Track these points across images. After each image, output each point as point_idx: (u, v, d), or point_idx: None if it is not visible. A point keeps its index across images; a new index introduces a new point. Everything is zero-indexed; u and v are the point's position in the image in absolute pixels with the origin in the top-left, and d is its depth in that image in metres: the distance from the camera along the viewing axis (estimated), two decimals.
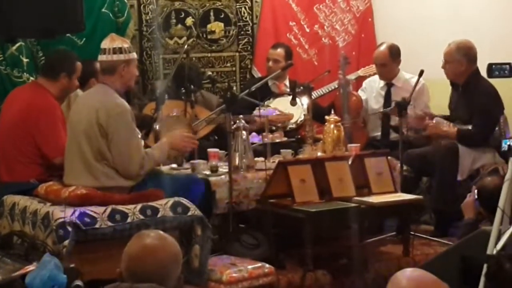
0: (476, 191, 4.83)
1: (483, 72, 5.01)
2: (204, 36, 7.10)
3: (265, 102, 6.28)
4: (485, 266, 3.77)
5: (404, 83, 6.51)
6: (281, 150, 5.67)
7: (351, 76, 6.73)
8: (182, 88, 5.82)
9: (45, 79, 5.28)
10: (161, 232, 2.75)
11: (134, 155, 4.63)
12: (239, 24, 7.24)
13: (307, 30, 7.44)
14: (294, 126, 6.31)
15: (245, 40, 7.28)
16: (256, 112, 5.98)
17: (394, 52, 6.51)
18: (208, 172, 5.23)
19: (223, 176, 5.16)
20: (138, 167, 4.65)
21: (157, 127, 5.43)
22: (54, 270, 3.89)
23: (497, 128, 6.12)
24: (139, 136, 4.85)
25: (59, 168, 4.92)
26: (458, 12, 7.03)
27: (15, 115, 5.18)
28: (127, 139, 4.63)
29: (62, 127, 5.10)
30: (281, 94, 6.54)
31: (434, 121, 6.15)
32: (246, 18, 7.26)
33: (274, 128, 6.05)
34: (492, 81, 5.59)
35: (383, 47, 6.56)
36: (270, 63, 6.65)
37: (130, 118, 4.67)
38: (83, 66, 5.51)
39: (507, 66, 4.07)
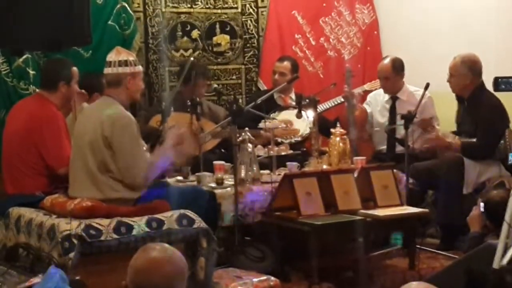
0: (482, 204, 4.83)
1: (488, 86, 5.01)
2: (210, 48, 7.12)
3: (271, 115, 6.28)
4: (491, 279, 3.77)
5: (409, 96, 6.50)
6: (287, 163, 5.68)
7: (357, 90, 6.72)
8: (189, 101, 5.82)
9: (45, 90, 5.28)
10: (167, 245, 2.74)
11: (139, 167, 4.63)
12: (245, 36, 7.25)
13: (313, 43, 7.45)
14: (299, 139, 6.31)
15: (251, 52, 7.29)
16: (261, 125, 5.98)
17: (397, 66, 6.51)
18: (213, 185, 5.23)
19: (228, 189, 5.17)
20: (143, 178, 4.64)
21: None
22: (60, 282, 3.87)
23: (502, 142, 6.11)
24: (144, 148, 4.85)
25: (64, 179, 4.92)
26: (464, 25, 7.03)
27: (19, 127, 5.18)
28: (132, 150, 4.63)
29: (66, 137, 5.11)
30: (286, 107, 6.54)
31: (439, 133, 6.15)
32: (252, 30, 7.28)
33: (280, 141, 6.05)
34: (498, 94, 5.59)
35: (386, 61, 6.56)
36: (276, 76, 6.66)
37: (135, 130, 4.67)
38: (88, 79, 5.52)
39: None
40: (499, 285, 3.71)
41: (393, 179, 5.38)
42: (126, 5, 6.52)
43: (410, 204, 5.43)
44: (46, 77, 5.40)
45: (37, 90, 5.92)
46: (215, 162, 5.40)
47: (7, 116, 5.47)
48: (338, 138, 5.64)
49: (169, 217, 4.59)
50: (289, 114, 6.31)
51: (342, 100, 6.70)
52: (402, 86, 6.58)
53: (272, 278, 4.75)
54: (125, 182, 4.63)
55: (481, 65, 6.03)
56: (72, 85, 5.29)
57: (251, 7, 7.25)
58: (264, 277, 4.73)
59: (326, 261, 5.08)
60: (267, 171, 5.46)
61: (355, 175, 5.29)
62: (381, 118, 6.62)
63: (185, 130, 5.01)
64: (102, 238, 4.36)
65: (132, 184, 4.64)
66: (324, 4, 7.49)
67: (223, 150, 6.09)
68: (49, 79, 5.30)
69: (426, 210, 5.54)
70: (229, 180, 5.28)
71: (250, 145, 5.39)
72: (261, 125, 6.00)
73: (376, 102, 6.69)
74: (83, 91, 5.42)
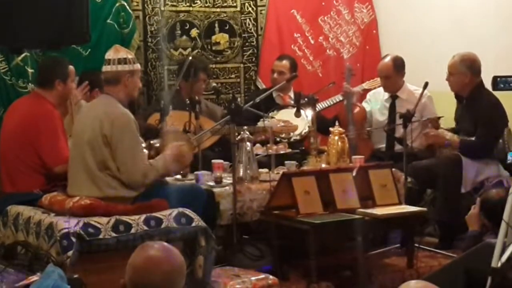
0: (480, 203, 4.83)
1: (487, 85, 5.01)
2: (209, 47, 7.11)
3: (270, 114, 6.28)
4: (489, 278, 3.77)
5: (409, 95, 6.50)
6: (285, 162, 5.67)
7: (356, 88, 6.73)
8: (187, 99, 5.82)
9: (42, 89, 5.28)
10: (165, 244, 2.74)
11: (138, 164, 4.64)
12: (243, 35, 7.25)
13: (312, 41, 7.45)
14: (298, 137, 6.30)
15: (250, 51, 7.29)
16: (260, 124, 5.97)
17: (398, 64, 6.51)
18: (212, 183, 5.23)
19: (227, 187, 5.16)
20: (141, 176, 4.65)
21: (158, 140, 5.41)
22: (58, 280, 3.87)
23: (501, 141, 6.11)
24: (143, 146, 4.85)
25: (61, 177, 4.92)
26: (463, 24, 7.03)
27: (15, 125, 5.18)
28: (131, 148, 4.64)
29: (62, 135, 5.11)
30: (285, 106, 6.53)
31: (438, 130, 6.15)
32: (251, 29, 7.28)
33: (278, 139, 6.04)
34: (497, 93, 5.59)
35: (387, 59, 6.57)
36: (275, 75, 6.65)
37: (134, 128, 4.69)
38: (87, 76, 5.52)
39: None
40: (501, 281, 3.71)
41: (391, 178, 5.38)
42: (125, 4, 6.52)
43: (409, 203, 5.43)
44: (42, 75, 5.40)
45: (36, 88, 5.93)
46: (213, 161, 5.40)
47: (4, 115, 5.47)
48: (336, 137, 5.64)
49: (168, 216, 4.59)
50: (288, 113, 6.31)
51: (341, 98, 6.70)
52: (402, 85, 6.58)
53: (271, 276, 4.75)
54: (123, 180, 4.64)
55: (480, 64, 6.03)
56: (68, 84, 5.30)
57: (250, 6, 7.25)
58: (263, 276, 4.74)
59: (325, 259, 5.08)
60: (265, 170, 5.45)
61: (354, 173, 5.28)
62: (381, 116, 6.62)
63: (184, 146, 4.99)
64: (101, 236, 4.37)
65: (130, 182, 4.65)
66: (323, 3, 7.49)
67: (220, 149, 6.09)
68: (45, 78, 5.31)
69: (425, 209, 5.54)
70: (227, 179, 5.28)
71: (248, 143, 5.38)
72: (260, 124, 6.00)
73: (376, 100, 6.70)
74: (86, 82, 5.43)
